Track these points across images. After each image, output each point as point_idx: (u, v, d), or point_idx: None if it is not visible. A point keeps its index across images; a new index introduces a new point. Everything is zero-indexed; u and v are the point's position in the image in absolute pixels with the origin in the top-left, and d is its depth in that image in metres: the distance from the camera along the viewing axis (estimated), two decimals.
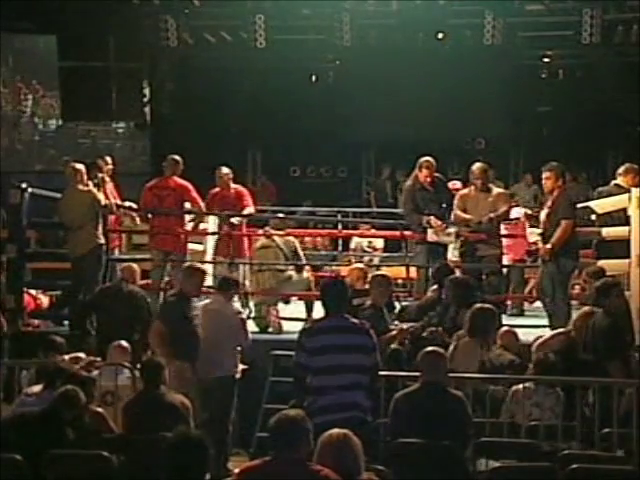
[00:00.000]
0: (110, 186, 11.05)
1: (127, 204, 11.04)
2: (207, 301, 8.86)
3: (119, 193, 11.21)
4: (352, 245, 14.76)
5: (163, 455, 4.67)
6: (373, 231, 13.91)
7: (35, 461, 6.01)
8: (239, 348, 8.46)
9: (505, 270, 11.48)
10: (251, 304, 10.62)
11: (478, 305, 8.13)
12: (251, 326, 9.44)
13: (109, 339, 8.48)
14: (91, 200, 10.06)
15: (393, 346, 8.00)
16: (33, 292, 11.10)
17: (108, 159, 11.29)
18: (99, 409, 6.91)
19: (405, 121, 16.59)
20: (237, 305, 9.26)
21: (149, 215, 10.87)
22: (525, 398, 7.35)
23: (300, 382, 6.39)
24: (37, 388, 7.20)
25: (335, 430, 4.88)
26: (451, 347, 7.84)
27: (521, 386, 7.48)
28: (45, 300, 11.30)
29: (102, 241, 10.17)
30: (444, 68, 16.43)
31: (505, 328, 8.99)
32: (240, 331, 8.45)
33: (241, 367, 8.50)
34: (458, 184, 11.93)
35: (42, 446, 6.14)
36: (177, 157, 10.89)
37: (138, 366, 7.59)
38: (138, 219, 11.34)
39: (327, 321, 6.50)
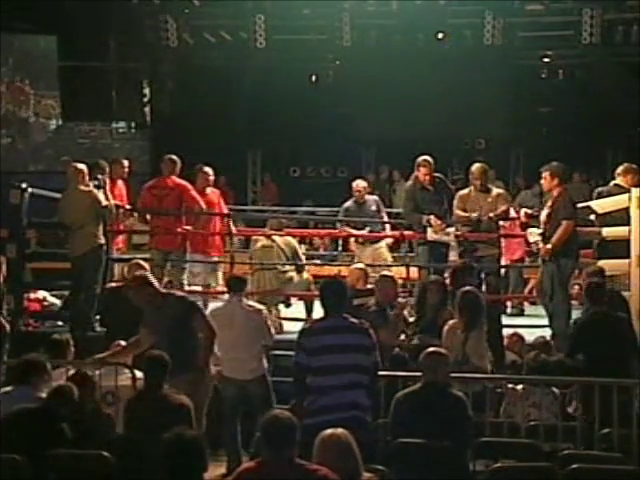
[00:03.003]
0: (123, 188, 11.10)
1: (127, 207, 11.08)
2: (220, 304, 8.70)
3: (128, 195, 11.22)
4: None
5: (161, 456, 4.68)
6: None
7: (31, 459, 5.96)
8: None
9: (503, 270, 11.48)
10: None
11: (463, 289, 8.01)
12: None
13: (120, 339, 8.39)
14: (92, 200, 10.05)
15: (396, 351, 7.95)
16: (40, 295, 11.08)
17: (125, 162, 11.35)
18: (108, 411, 6.90)
19: (405, 121, 16.56)
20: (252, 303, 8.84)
21: (148, 215, 10.89)
22: (522, 399, 7.37)
23: (300, 382, 6.38)
24: (9, 387, 6.97)
25: (333, 430, 4.89)
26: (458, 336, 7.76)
27: (520, 387, 7.50)
28: (55, 302, 11.24)
29: (102, 241, 10.16)
30: (444, 68, 16.44)
31: (512, 331, 9.01)
32: (264, 329, 8.24)
33: None
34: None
35: (39, 444, 6.09)
36: (174, 157, 10.89)
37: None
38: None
39: (326, 321, 6.49)
